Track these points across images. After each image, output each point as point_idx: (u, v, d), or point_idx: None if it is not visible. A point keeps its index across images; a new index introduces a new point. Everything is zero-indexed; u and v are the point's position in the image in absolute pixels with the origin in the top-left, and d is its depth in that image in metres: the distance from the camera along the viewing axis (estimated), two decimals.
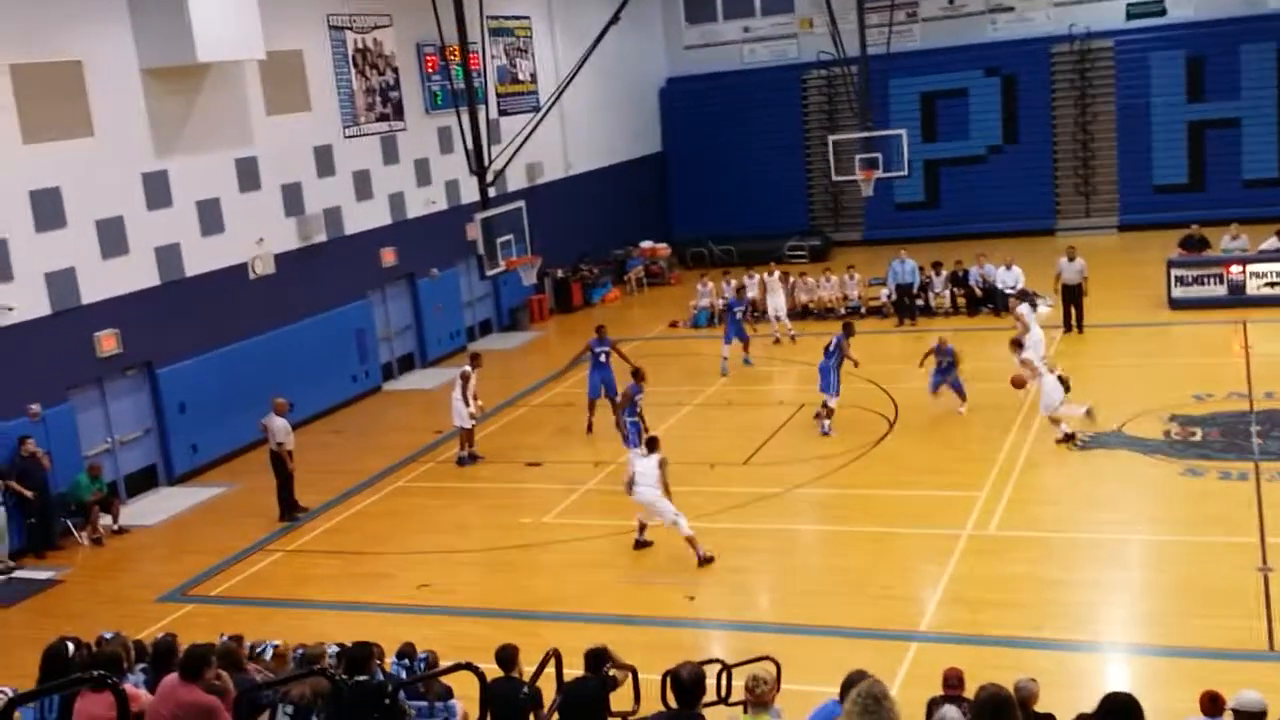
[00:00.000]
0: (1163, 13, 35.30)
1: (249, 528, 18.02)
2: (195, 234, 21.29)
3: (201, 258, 21.35)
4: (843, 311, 27.82)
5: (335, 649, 10.00)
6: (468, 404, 19.79)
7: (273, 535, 17.75)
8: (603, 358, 20.98)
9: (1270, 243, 25.65)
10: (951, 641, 12.36)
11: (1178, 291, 25.33)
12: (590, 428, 20.85)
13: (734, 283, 27.99)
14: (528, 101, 31.50)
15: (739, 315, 24.26)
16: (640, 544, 15.51)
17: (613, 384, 20.83)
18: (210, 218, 21.59)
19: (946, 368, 20.05)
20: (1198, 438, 17.74)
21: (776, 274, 27.16)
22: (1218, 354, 22.17)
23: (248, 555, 17.04)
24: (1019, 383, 18.57)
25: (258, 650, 10.29)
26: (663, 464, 15.00)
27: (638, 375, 18.54)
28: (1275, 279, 24.73)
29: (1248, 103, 34.29)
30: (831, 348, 19.87)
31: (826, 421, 19.71)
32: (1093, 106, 35.94)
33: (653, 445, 15.46)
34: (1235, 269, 24.99)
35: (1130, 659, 12.17)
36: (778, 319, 26.18)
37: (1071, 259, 23.99)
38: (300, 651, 10.15)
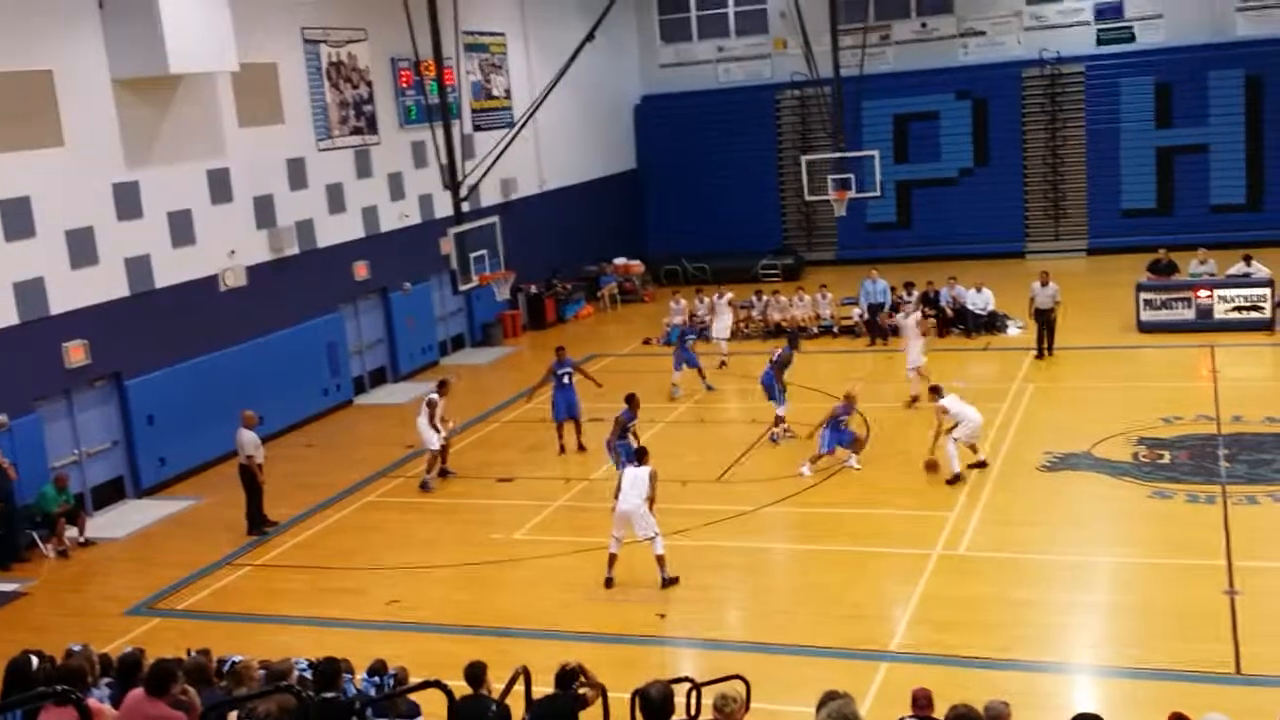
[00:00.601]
0: (1132, 39, 35.74)
1: (217, 541, 17.88)
2: (166, 245, 21.16)
3: (172, 269, 21.22)
4: (814, 330, 27.97)
5: (304, 665, 9.92)
6: (436, 430, 19.60)
7: (241, 549, 17.61)
8: (565, 379, 20.83)
9: (1238, 267, 25.94)
10: (921, 661, 12.39)
11: (1146, 315, 25.56)
12: (562, 449, 20.77)
13: (684, 304, 28.17)
14: (502, 117, 31.51)
15: (689, 342, 24.18)
16: (610, 581, 15.02)
17: (576, 405, 20.76)
18: (181, 229, 21.47)
19: (837, 424, 18.76)
20: (1166, 460, 17.88)
21: (726, 297, 27.21)
22: (1186, 377, 22.37)
23: (216, 569, 16.90)
24: (931, 467, 17.85)
25: (225, 666, 10.19)
26: (653, 476, 14.93)
27: (631, 401, 18.33)
28: (1243, 303, 25.01)
29: (1215, 129, 34.72)
30: (775, 359, 20.55)
31: (776, 430, 20.14)
32: (1063, 131, 36.29)
33: (643, 457, 15.40)
34: (1203, 293, 25.25)
35: (1098, 681, 12.23)
36: (719, 340, 26.05)
37: (1044, 284, 24.13)
38: (266, 670, 10.05)
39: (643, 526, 14.84)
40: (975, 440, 18.00)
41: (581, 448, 20.49)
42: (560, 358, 21.08)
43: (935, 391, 18.28)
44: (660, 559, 14.78)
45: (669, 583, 14.72)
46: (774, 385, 20.39)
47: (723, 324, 26.45)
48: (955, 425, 17.72)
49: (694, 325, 25.83)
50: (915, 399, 21.40)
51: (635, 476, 14.97)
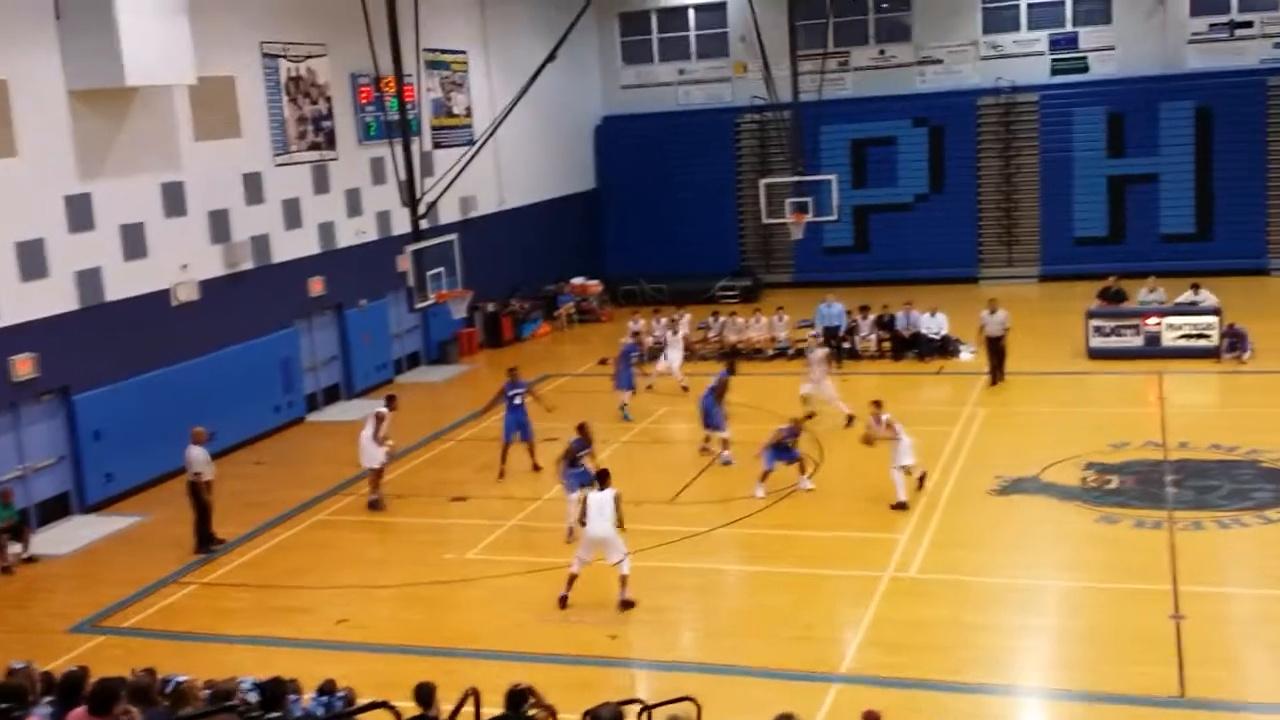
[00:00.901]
0: (1086, 69, 36.30)
1: (164, 559, 17.66)
2: (118, 258, 20.96)
3: (124, 283, 21.01)
4: (770, 353, 28.09)
5: (249, 684, 9.81)
6: (380, 445, 19.28)
7: (188, 567, 17.40)
8: (517, 400, 20.62)
9: (1186, 296, 26.34)
10: (871, 684, 12.44)
11: (1096, 342, 25.88)
12: (502, 474, 20.44)
13: (643, 324, 28.22)
14: (462, 135, 31.50)
15: (632, 360, 24.23)
16: (565, 600, 14.89)
17: (528, 426, 20.64)
18: (134, 242, 21.27)
19: (785, 447, 18.86)
20: (1113, 486, 18.08)
21: (681, 332, 27.14)
22: (1134, 404, 22.66)
23: (162, 587, 16.68)
24: (868, 439, 18.23)
25: (169, 686, 10.06)
26: (618, 499, 14.79)
27: (583, 430, 17.75)
28: (1190, 331, 25.38)
29: (1166, 159, 35.31)
30: (714, 384, 20.72)
31: (726, 452, 20.25)
32: (1017, 159, 36.76)
33: (605, 479, 15.10)
34: (1152, 321, 25.60)
35: (1046, 704, 12.33)
36: (672, 369, 25.76)
37: (993, 311, 24.31)
38: (210, 690, 9.93)
39: (614, 552, 14.74)
40: (910, 461, 17.98)
41: (536, 468, 20.40)
42: (512, 379, 20.88)
43: (878, 405, 18.34)
44: (624, 579, 14.72)
45: (627, 605, 14.67)
46: (712, 409, 20.53)
47: (676, 355, 26.01)
48: (896, 444, 17.77)
49: (638, 344, 25.71)
50: (851, 417, 21.68)
51: (601, 501, 14.75)
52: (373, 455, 19.27)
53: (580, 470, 17.39)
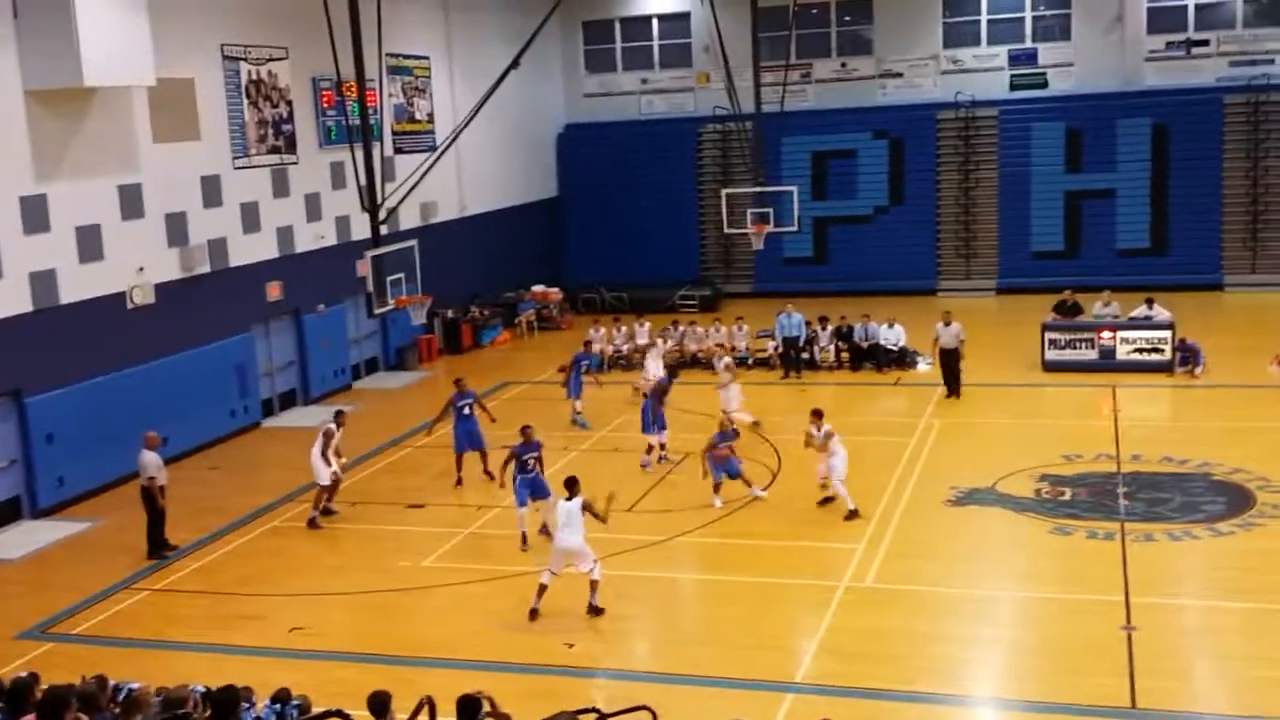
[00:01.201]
0: (1045, 85, 36.72)
1: (115, 565, 17.47)
2: (73, 260, 20.73)
3: (78, 285, 20.79)
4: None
5: (201, 691, 9.72)
6: (328, 463, 18.71)
7: (140, 573, 17.21)
8: (466, 410, 20.41)
9: (1140, 310, 26.66)
10: (826, 693, 12.49)
11: (1051, 354, 26.14)
12: (460, 481, 20.39)
13: (603, 332, 28.25)
14: (424, 141, 31.41)
15: (583, 368, 24.19)
16: (535, 613, 14.73)
17: (478, 436, 20.51)
18: (90, 245, 21.05)
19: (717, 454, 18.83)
20: (1067, 497, 18.27)
21: (660, 344, 27.05)
22: (1088, 416, 22.89)
23: (113, 593, 16.50)
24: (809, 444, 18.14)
25: (121, 694, 9.95)
26: (586, 506, 14.68)
27: (525, 433, 17.57)
28: (1144, 345, 25.68)
29: (1123, 175, 35.78)
30: (654, 388, 21.22)
31: (647, 457, 20.51)
32: (976, 172, 37.11)
33: (573, 487, 14.86)
34: (1106, 335, 25.89)
35: (999, 714, 12.42)
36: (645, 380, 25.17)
37: (947, 324, 24.39)
38: (161, 695, 9.84)
39: (585, 560, 14.66)
40: (843, 474, 17.99)
41: (489, 475, 20.19)
42: (460, 389, 20.64)
43: (818, 416, 18.36)
44: (595, 585, 14.66)
45: (596, 611, 14.61)
46: (648, 413, 20.72)
47: (655, 366, 25.17)
48: (830, 458, 17.87)
49: (589, 352, 25.69)
50: (756, 423, 22.11)
51: (569, 510, 14.63)
52: (321, 472, 18.70)
53: (531, 476, 17.28)
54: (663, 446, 20.86)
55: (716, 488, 18.57)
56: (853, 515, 17.57)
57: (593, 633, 14.37)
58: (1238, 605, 14.22)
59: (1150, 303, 26.77)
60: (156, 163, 22.51)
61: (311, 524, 18.81)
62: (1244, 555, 15.75)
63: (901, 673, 12.96)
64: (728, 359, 24.46)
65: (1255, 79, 34.84)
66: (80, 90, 20.10)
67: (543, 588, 14.69)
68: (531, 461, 17.37)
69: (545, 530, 16.64)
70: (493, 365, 30.14)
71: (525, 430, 17.68)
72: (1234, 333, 28.74)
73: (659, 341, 27.29)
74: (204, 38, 23.92)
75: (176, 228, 23.14)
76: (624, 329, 29.24)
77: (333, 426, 19.16)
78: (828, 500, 18.18)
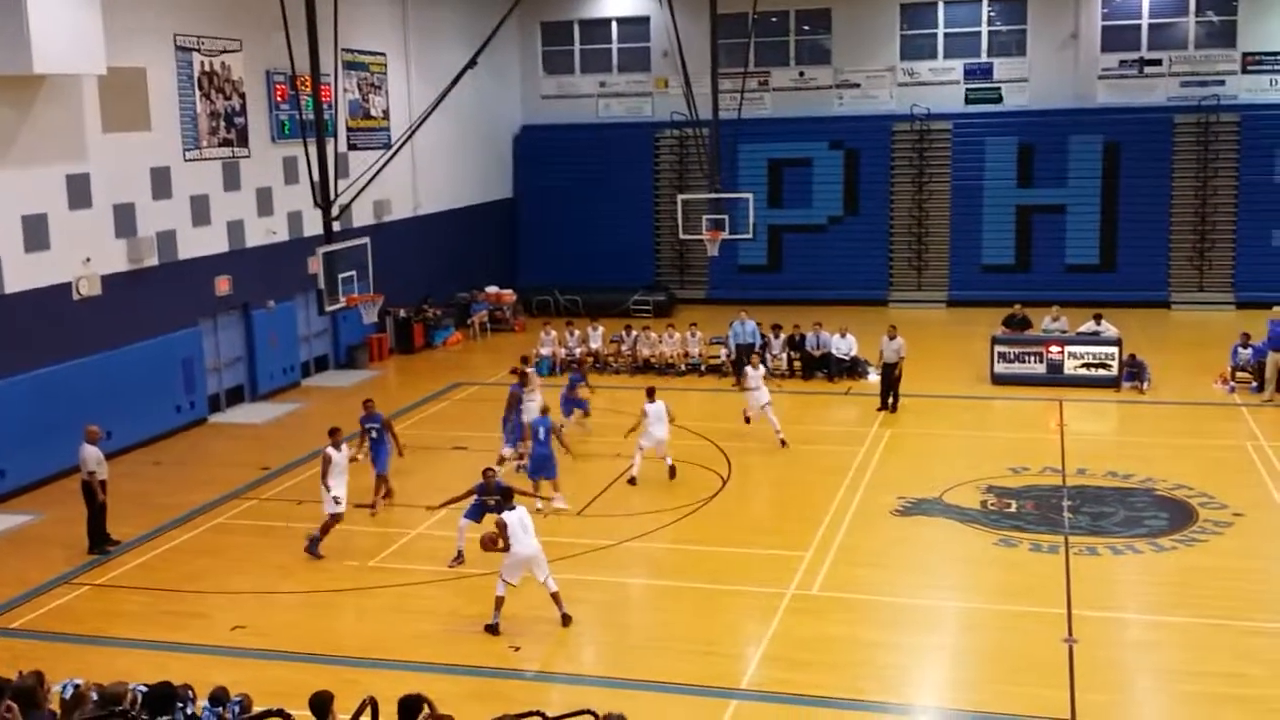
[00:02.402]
0: (999, 100, 37.09)
1: (54, 559, 17.19)
2: (18, 250, 20.38)
3: (23, 275, 20.44)
4: (683, 368, 28.17)
5: (143, 689, 9.56)
6: (327, 488, 17.19)
7: (80, 568, 16.95)
8: (374, 434, 19.14)
9: (1088, 326, 26.96)
10: (771, 700, 12.52)
11: (1000, 368, 26.38)
12: (375, 505, 18.89)
13: (555, 335, 28.01)
14: (379, 138, 31.21)
15: (577, 387, 23.23)
16: (496, 628, 14.36)
17: (385, 460, 19.13)
18: (36, 234, 20.72)
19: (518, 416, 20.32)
20: (1012, 509, 18.43)
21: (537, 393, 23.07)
22: (1035, 429, 23.12)
23: (52, 588, 16.23)
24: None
25: (55, 688, 9.76)
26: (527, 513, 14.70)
27: (487, 476, 16.54)
28: (1091, 361, 25.98)
29: (1073, 191, 36.20)
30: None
31: (520, 460, 20.35)
32: (929, 185, 37.41)
33: (510, 497, 15.05)
34: (1054, 349, 26.17)
35: None
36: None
37: (891, 338, 24.37)
38: (97, 691, 9.66)
39: (542, 569, 14.53)
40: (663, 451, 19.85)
41: (388, 494, 19.20)
42: (369, 411, 19.24)
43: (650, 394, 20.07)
44: (557, 595, 14.52)
45: (568, 619, 14.45)
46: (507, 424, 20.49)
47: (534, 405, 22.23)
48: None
49: (571, 364, 24.26)
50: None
51: (523, 518, 14.47)
52: (324, 500, 17.35)
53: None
54: (520, 456, 20.27)
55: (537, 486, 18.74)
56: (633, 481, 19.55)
57: (538, 636, 14.31)
58: (1178, 619, 14.40)
59: (1098, 318, 27.08)
60: (105, 153, 22.20)
61: (310, 547, 17.28)
62: (1185, 570, 15.95)
63: (846, 680, 13.01)
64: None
65: (1206, 99, 35.39)
66: (29, 77, 19.78)
67: (500, 600, 14.42)
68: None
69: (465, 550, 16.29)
70: (445, 366, 29.97)
71: (486, 472, 16.52)
72: (1180, 350, 29.15)
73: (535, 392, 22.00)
74: (157, 27, 23.62)
75: (125, 219, 22.82)
76: (577, 333, 29.18)
77: (330, 450, 17.37)
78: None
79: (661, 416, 20.04)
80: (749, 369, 22.99)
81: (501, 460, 20.27)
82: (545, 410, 20.09)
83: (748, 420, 22.70)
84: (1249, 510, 18.01)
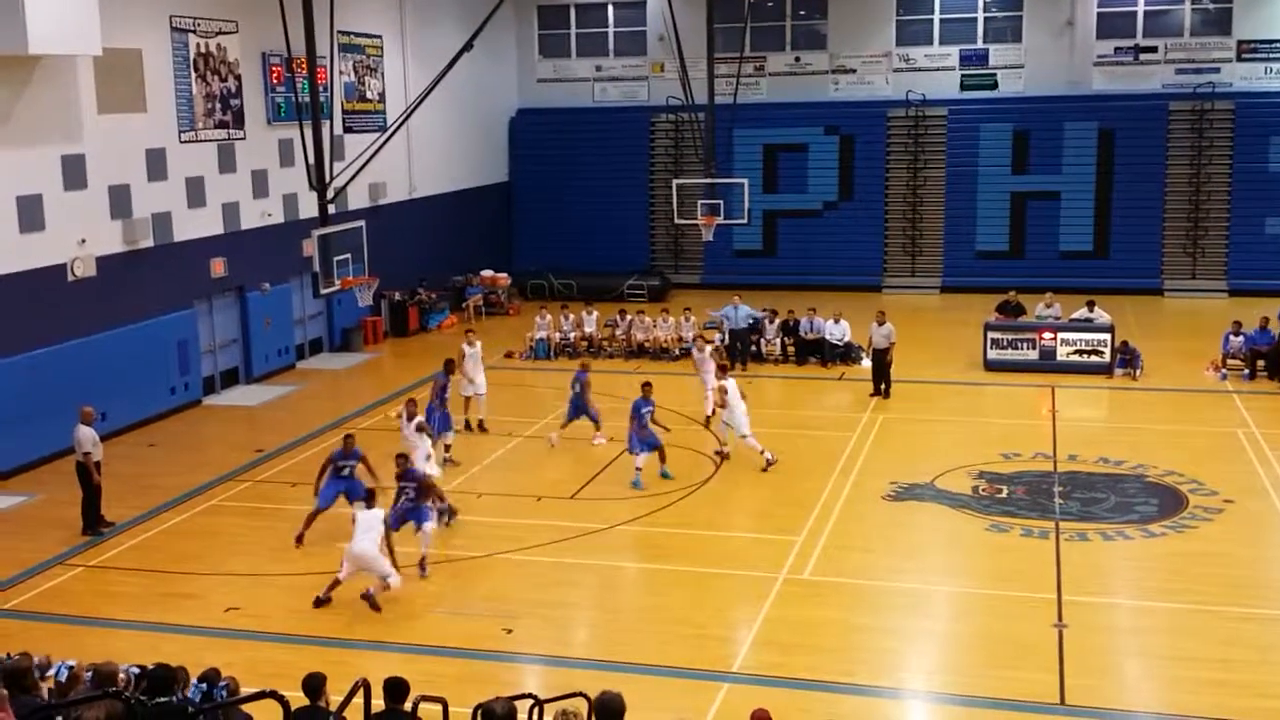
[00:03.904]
0: (994, 86, 37.07)
1: (49, 540, 17.22)
2: (13, 231, 20.36)
3: (17, 256, 20.41)
4: (676, 353, 28.21)
5: (136, 670, 9.61)
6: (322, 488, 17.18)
7: (75, 549, 16.99)
8: (347, 471, 17.26)
9: (1081, 313, 27.04)
10: (762, 683, 12.59)
11: (993, 354, 26.44)
12: (301, 540, 16.96)
13: (550, 319, 27.84)
14: (374, 121, 31.15)
15: (645, 417, 19.73)
16: (321, 601, 14.71)
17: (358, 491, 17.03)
18: (31, 215, 20.69)
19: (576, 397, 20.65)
20: (1004, 495, 18.52)
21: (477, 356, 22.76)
22: (1027, 416, 23.20)
23: (46, 569, 16.27)
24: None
25: (50, 670, 9.81)
26: (386, 521, 14.90)
27: (347, 441, 17.29)
28: (1084, 347, 26.06)
29: (1068, 177, 36.22)
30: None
31: (445, 451, 20.31)
32: (924, 171, 37.39)
33: (372, 499, 15.22)
34: (1047, 336, 26.24)
35: (932, 706, 12.58)
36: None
37: (880, 323, 24.35)
38: (91, 671, 9.71)
39: (378, 571, 14.62)
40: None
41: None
42: (347, 448, 17.41)
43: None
44: (386, 588, 14.64)
45: (370, 601, 14.48)
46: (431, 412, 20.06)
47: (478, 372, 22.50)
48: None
49: (647, 397, 19.91)
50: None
51: (369, 520, 14.69)
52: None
53: (344, 481, 17.03)
54: (447, 447, 20.28)
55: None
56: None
57: (531, 619, 14.38)
58: (1167, 605, 14.50)
59: (1091, 305, 27.16)
60: (101, 134, 22.15)
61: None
62: (1174, 556, 16.05)
63: (837, 664, 13.09)
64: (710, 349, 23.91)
65: (1201, 87, 35.41)
66: (25, 58, 19.73)
67: (337, 582, 14.69)
68: (349, 469, 17.13)
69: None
70: (440, 349, 29.87)
71: (348, 438, 17.37)
72: (1172, 337, 29.26)
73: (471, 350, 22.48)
74: (152, 8, 23.56)
75: (120, 200, 22.80)
76: (571, 317, 29.21)
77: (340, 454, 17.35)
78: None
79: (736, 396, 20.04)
80: (694, 351, 23.39)
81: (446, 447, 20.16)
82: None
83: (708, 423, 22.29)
84: (1239, 497, 18.10)
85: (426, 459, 18.32)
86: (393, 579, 14.68)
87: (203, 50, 24.98)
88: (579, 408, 21.14)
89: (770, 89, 38.35)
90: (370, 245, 20.95)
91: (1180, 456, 19.98)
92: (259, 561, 16.43)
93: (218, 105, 25.58)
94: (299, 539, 16.90)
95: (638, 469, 19.08)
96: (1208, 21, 35.84)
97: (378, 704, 9.07)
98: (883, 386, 24.39)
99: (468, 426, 22.06)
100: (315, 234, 19.74)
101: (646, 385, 20.07)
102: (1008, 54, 36.95)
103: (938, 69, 37.35)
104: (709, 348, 23.62)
